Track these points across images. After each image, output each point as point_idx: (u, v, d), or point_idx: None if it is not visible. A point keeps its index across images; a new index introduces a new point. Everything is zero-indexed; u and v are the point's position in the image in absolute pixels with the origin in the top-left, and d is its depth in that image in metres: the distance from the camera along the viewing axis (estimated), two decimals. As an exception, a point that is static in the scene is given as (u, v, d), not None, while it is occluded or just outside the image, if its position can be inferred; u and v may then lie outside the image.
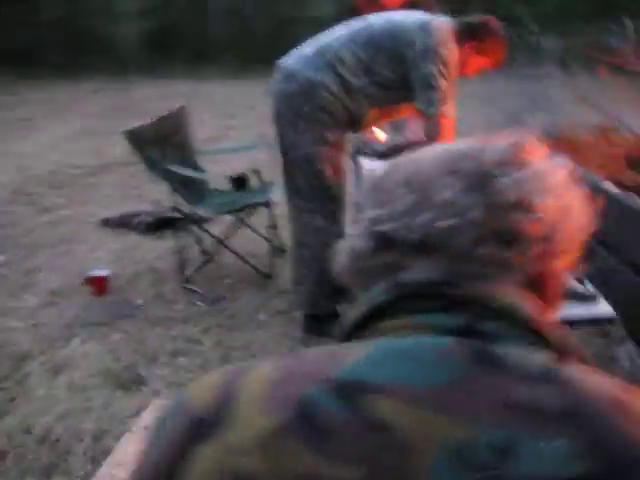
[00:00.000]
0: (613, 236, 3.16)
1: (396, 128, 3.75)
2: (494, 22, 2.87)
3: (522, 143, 0.63)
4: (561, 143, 4.48)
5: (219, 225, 3.98)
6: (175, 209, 3.75)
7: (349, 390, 0.52)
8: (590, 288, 2.15)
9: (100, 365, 2.87)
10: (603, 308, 2.09)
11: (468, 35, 2.77)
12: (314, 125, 2.83)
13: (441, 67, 2.63)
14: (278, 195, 3.92)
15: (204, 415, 0.56)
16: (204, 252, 4.00)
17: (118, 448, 1.44)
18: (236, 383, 0.57)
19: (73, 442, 2.36)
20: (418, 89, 2.68)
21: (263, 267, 3.84)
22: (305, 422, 0.51)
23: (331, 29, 2.91)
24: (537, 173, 0.61)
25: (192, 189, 3.82)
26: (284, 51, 2.93)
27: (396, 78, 2.76)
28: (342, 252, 0.67)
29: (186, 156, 3.88)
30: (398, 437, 0.49)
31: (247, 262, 3.83)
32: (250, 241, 4.08)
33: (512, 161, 0.61)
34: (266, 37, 11.97)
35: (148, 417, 1.54)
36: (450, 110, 2.68)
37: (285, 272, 3.88)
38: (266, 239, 3.99)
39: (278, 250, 4.03)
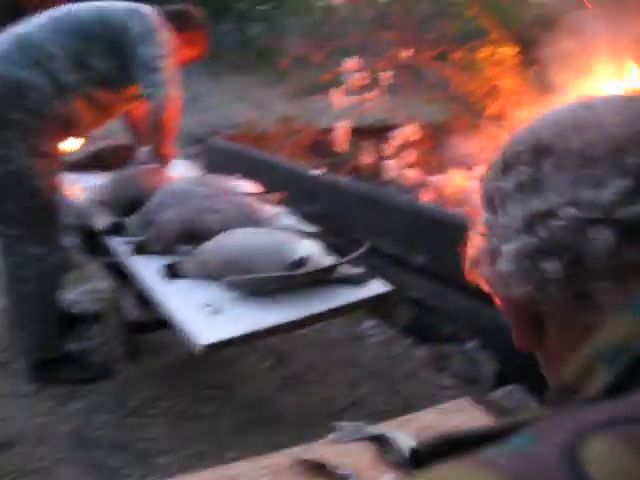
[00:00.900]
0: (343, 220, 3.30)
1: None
2: (195, 12, 2.76)
3: None
4: (246, 136, 4.55)
5: None
6: None
7: None
8: (360, 270, 2.17)
9: None
10: (374, 287, 2.11)
11: (176, 24, 2.62)
12: (24, 134, 2.36)
13: (162, 49, 2.47)
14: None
15: None
16: None
17: None
18: None
19: None
20: (141, 74, 2.45)
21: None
22: None
23: (27, 19, 2.44)
24: None
25: None
26: None
27: (113, 70, 2.48)
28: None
29: None
30: None
31: None
32: None
33: None
34: None
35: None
36: (176, 91, 2.51)
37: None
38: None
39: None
